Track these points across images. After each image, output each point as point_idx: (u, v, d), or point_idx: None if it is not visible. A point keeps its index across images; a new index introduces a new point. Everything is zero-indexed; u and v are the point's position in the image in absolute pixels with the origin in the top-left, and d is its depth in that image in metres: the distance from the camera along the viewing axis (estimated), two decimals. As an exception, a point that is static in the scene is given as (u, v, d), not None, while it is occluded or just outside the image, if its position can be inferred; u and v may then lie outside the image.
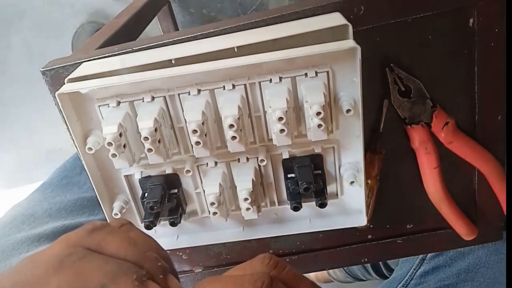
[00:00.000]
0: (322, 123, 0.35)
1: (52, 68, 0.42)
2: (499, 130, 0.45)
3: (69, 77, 0.39)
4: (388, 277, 0.71)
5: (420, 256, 0.57)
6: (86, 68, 0.40)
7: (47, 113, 1.13)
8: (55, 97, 0.37)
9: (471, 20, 0.41)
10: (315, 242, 0.53)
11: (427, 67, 0.43)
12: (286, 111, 0.34)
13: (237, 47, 0.37)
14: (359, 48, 0.34)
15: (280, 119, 0.34)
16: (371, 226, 0.52)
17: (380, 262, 0.81)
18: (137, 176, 0.41)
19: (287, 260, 0.54)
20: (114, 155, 0.36)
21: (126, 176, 0.42)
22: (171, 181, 0.42)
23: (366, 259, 0.54)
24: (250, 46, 0.37)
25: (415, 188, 0.49)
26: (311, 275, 1.08)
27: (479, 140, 0.46)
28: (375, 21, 0.41)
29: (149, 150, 0.36)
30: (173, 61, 0.38)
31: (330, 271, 1.01)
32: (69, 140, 0.42)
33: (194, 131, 0.35)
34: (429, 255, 0.56)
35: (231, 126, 0.35)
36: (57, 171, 0.76)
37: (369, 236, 0.53)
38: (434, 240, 0.52)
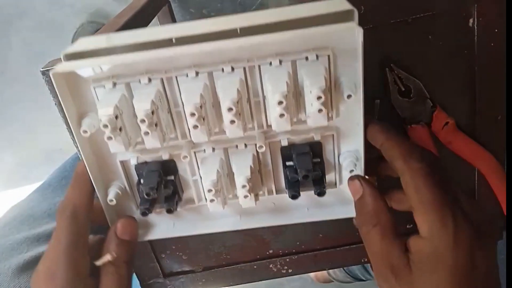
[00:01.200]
0: (322, 107, 0.34)
1: (52, 68, 0.42)
2: (499, 130, 0.45)
3: (65, 51, 0.38)
4: (388, 277, 0.71)
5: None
6: (83, 43, 0.39)
7: (47, 113, 1.13)
8: (55, 97, 0.37)
9: (471, 20, 0.41)
10: (315, 242, 0.53)
11: (427, 67, 0.43)
12: (286, 95, 0.34)
13: (240, 28, 0.36)
14: (361, 30, 0.33)
15: (280, 103, 0.34)
16: (371, 226, 0.52)
17: (380, 262, 0.81)
18: (133, 162, 0.40)
19: (287, 260, 0.54)
20: (109, 138, 0.35)
21: (122, 162, 0.41)
22: (168, 168, 0.41)
23: (366, 259, 0.54)
24: (253, 28, 0.36)
25: (415, 188, 0.49)
26: (311, 275, 1.08)
27: (479, 140, 0.46)
28: (375, 21, 0.41)
29: (146, 133, 0.35)
30: (173, 40, 0.37)
31: (330, 271, 1.02)
32: (69, 140, 0.42)
33: (192, 114, 0.34)
34: (429, 255, 0.56)
35: (230, 109, 0.34)
36: (57, 171, 0.76)
37: (369, 236, 0.53)
38: (434, 240, 0.52)
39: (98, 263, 0.39)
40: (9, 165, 1.26)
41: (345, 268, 0.94)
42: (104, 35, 0.39)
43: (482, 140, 0.46)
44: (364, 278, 0.92)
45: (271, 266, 0.55)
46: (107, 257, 0.39)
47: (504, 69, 0.42)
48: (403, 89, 0.44)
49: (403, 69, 0.43)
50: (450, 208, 0.32)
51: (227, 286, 0.58)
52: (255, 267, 0.54)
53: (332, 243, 0.53)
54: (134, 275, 0.57)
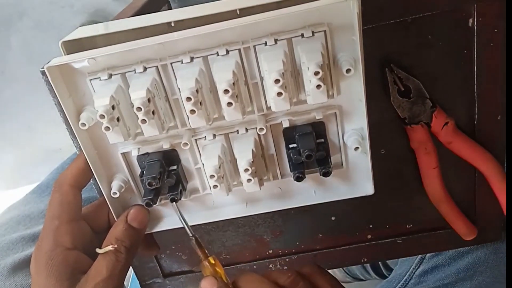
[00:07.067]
0: (321, 83, 0.33)
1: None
2: (499, 130, 0.45)
3: (64, 39, 0.38)
4: (387, 277, 0.71)
5: (419, 255, 0.57)
6: (82, 31, 0.39)
7: (47, 113, 1.12)
8: (54, 97, 0.37)
9: (471, 20, 0.41)
10: (315, 242, 0.53)
11: (427, 67, 0.43)
12: (283, 73, 0.33)
13: (240, 9, 0.36)
14: (356, 3, 0.32)
15: (277, 81, 0.33)
16: (371, 226, 0.52)
17: (380, 262, 0.81)
18: (134, 153, 0.40)
19: (287, 260, 0.54)
20: (107, 128, 0.35)
21: (123, 154, 0.41)
22: (170, 158, 0.41)
23: (365, 259, 0.54)
24: (253, 8, 0.36)
25: (415, 188, 0.49)
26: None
27: (479, 140, 0.46)
28: (375, 21, 0.41)
29: (143, 121, 0.35)
30: (172, 24, 0.37)
31: (330, 271, 1.01)
32: (68, 140, 0.42)
33: (188, 99, 0.34)
34: (428, 254, 0.56)
35: (226, 91, 0.34)
36: (54, 172, 0.76)
37: (369, 236, 0.53)
38: (434, 240, 0.52)
39: (100, 251, 0.39)
40: (9, 165, 1.26)
41: (344, 268, 0.94)
42: (102, 23, 0.40)
43: (482, 140, 0.46)
44: (363, 278, 0.92)
45: (270, 266, 0.55)
46: (109, 247, 0.39)
47: (504, 69, 0.42)
48: (403, 89, 0.44)
49: (403, 69, 0.43)
50: None
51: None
52: (254, 267, 0.54)
53: (332, 243, 0.53)
54: (134, 276, 0.57)
